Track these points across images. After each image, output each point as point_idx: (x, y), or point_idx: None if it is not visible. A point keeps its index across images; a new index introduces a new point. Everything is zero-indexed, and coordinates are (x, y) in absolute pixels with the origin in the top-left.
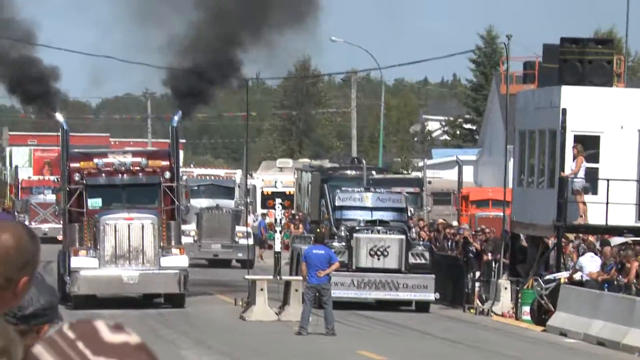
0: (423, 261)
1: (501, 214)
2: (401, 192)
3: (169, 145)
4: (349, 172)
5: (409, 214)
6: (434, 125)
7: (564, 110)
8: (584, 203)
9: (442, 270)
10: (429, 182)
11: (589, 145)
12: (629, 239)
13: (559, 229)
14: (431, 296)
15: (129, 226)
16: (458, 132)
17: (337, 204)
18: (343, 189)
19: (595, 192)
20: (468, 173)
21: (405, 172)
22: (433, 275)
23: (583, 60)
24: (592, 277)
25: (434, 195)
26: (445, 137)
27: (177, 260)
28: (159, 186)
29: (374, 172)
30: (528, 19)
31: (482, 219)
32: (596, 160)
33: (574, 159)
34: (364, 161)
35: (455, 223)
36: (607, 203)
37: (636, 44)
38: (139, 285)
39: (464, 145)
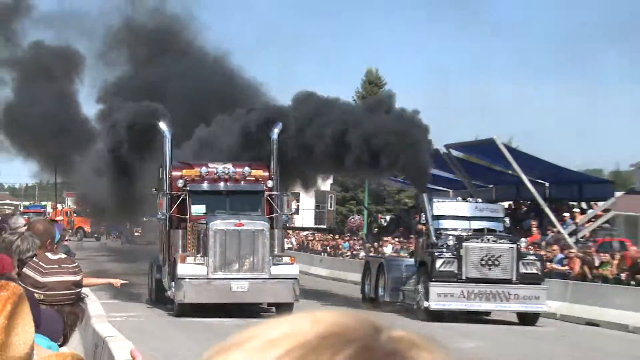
0: (535, 271)
1: None
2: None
3: (270, 156)
4: None
5: (505, 224)
6: None
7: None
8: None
9: None
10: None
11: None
12: (311, 231)
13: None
14: (543, 307)
15: (239, 233)
16: None
17: (434, 213)
18: (439, 198)
19: (298, 214)
20: None
21: None
22: (546, 286)
23: None
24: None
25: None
26: None
27: (289, 269)
28: (262, 194)
29: None
30: None
31: None
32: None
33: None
34: None
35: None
36: (303, 217)
37: None
38: (249, 294)
39: None
